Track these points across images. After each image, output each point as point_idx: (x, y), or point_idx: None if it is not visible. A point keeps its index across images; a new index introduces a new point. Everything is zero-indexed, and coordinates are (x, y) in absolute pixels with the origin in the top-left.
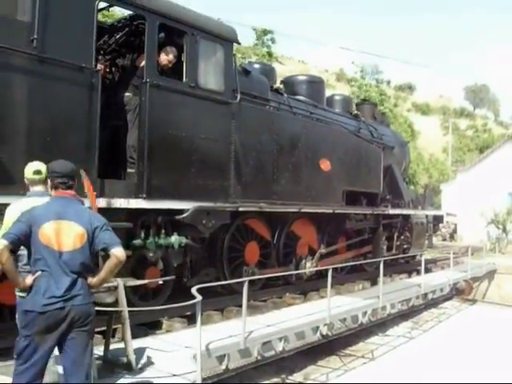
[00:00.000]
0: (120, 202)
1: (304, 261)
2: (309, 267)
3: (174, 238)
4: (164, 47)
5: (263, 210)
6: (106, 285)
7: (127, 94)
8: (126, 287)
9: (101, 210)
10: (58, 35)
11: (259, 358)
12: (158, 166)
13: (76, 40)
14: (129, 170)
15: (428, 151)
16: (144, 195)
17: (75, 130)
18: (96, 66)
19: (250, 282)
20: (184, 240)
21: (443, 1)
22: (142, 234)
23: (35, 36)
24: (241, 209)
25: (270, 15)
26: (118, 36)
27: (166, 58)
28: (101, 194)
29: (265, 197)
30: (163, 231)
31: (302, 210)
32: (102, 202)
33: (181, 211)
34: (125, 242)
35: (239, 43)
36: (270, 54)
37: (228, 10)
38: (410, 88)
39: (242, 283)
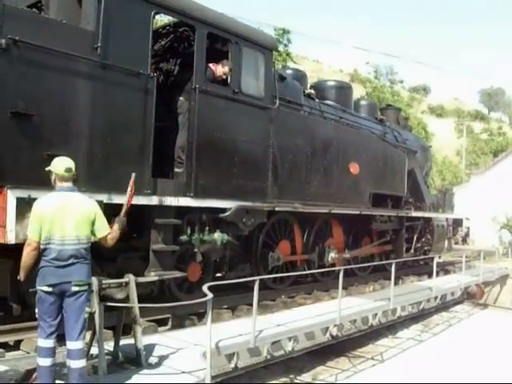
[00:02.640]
0: (170, 200)
1: (327, 250)
2: (332, 257)
3: (217, 235)
4: (211, 55)
5: (296, 211)
6: (117, 280)
7: (181, 98)
8: (170, 282)
9: (153, 208)
10: (119, 43)
11: (268, 357)
12: (204, 166)
13: (134, 47)
14: (176, 170)
15: (442, 154)
16: (192, 194)
17: (132, 132)
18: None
19: (280, 278)
20: (226, 237)
21: (460, 4)
22: (188, 231)
23: (99, 44)
24: (277, 209)
25: (284, 14)
26: (162, 42)
27: (222, 70)
28: (154, 192)
29: (298, 198)
30: (207, 228)
31: (332, 211)
32: (154, 200)
33: (223, 209)
34: (172, 238)
35: (278, 51)
36: (287, 54)
37: (240, 7)
38: (425, 90)
39: (276, 280)
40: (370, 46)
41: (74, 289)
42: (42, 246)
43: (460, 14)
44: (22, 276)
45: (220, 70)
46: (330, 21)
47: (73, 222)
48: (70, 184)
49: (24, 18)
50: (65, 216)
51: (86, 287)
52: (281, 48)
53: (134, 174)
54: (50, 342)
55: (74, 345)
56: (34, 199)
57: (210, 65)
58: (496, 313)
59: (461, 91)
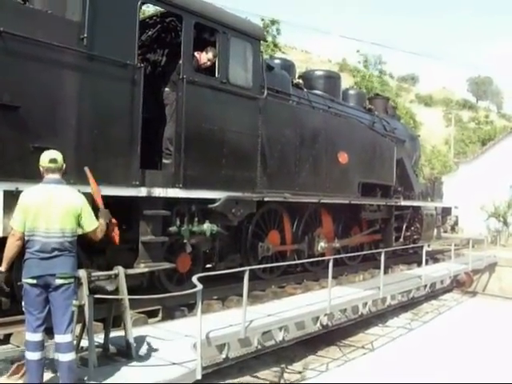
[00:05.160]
0: (159, 192)
1: (317, 239)
2: (322, 247)
3: (206, 226)
4: (199, 45)
5: (285, 201)
6: (106, 272)
7: (166, 89)
8: (160, 273)
9: (141, 199)
10: (105, 34)
11: (259, 347)
12: (193, 157)
13: (120, 38)
14: (164, 161)
15: (430, 143)
16: (180, 185)
17: (120, 123)
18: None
19: (270, 268)
20: (215, 228)
21: None
22: (177, 222)
23: (85, 35)
24: (266, 199)
25: (272, 3)
26: (150, 32)
27: (206, 56)
28: (142, 184)
29: (287, 188)
30: (196, 219)
31: (322, 201)
32: (142, 192)
33: (212, 200)
34: (161, 229)
35: (266, 41)
36: (275, 45)
37: None
38: (413, 79)
39: (266, 270)
40: (358, 36)
41: (59, 281)
42: (26, 238)
43: (448, 3)
44: (3, 267)
45: (204, 56)
46: (319, 10)
47: (57, 214)
48: (57, 176)
49: (8, 8)
50: (50, 208)
51: (71, 280)
52: (269, 39)
53: (86, 168)
54: (37, 336)
55: (62, 338)
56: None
57: (195, 53)
58: (485, 300)
59: (449, 80)
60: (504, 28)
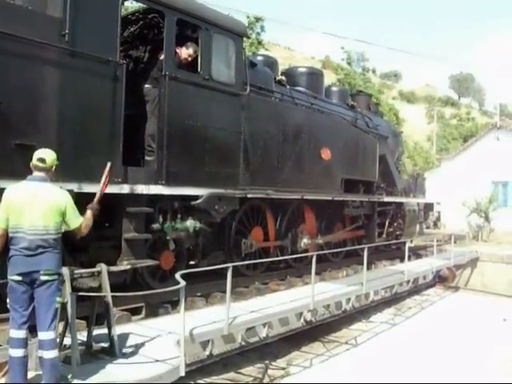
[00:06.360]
0: (142, 188)
1: (300, 236)
2: (305, 243)
3: (189, 223)
4: (181, 41)
5: (268, 197)
6: (89, 270)
7: (147, 85)
8: (143, 271)
9: (124, 196)
10: (87, 30)
11: (243, 343)
12: (175, 154)
13: (102, 34)
14: (147, 158)
15: (413, 139)
16: (163, 182)
17: (102, 120)
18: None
19: (254, 265)
20: (198, 224)
21: None
22: (160, 219)
23: (66, 31)
24: (249, 195)
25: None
26: (132, 29)
27: (187, 51)
28: (125, 181)
29: (270, 184)
30: (179, 216)
31: (305, 197)
32: (125, 189)
33: (195, 197)
34: (144, 226)
35: (249, 37)
36: (259, 42)
37: None
38: (396, 76)
39: (250, 267)
40: (341, 33)
41: (44, 278)
42: (10, 235)
43: (432, 1)
44: None
45: (184, 52)
46: (302, 7)
47: (40, 211)
48: (42, 174)
49: None
50: (34, 205)
51: (55, 277)
52: (253, 36)
53: (109, 163)
54: (21, 333)
55: (45, 335)
56: (3, 189)
57: (176, 48)
58: (467, 295)
59: (432, 77)
60: (487, 27)
